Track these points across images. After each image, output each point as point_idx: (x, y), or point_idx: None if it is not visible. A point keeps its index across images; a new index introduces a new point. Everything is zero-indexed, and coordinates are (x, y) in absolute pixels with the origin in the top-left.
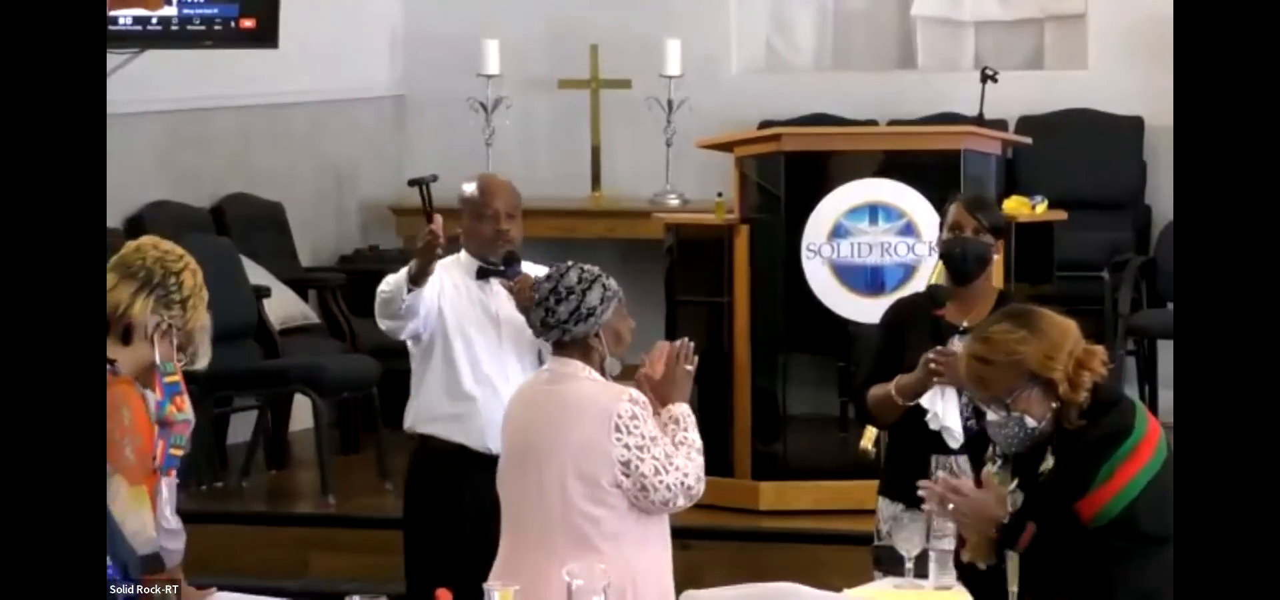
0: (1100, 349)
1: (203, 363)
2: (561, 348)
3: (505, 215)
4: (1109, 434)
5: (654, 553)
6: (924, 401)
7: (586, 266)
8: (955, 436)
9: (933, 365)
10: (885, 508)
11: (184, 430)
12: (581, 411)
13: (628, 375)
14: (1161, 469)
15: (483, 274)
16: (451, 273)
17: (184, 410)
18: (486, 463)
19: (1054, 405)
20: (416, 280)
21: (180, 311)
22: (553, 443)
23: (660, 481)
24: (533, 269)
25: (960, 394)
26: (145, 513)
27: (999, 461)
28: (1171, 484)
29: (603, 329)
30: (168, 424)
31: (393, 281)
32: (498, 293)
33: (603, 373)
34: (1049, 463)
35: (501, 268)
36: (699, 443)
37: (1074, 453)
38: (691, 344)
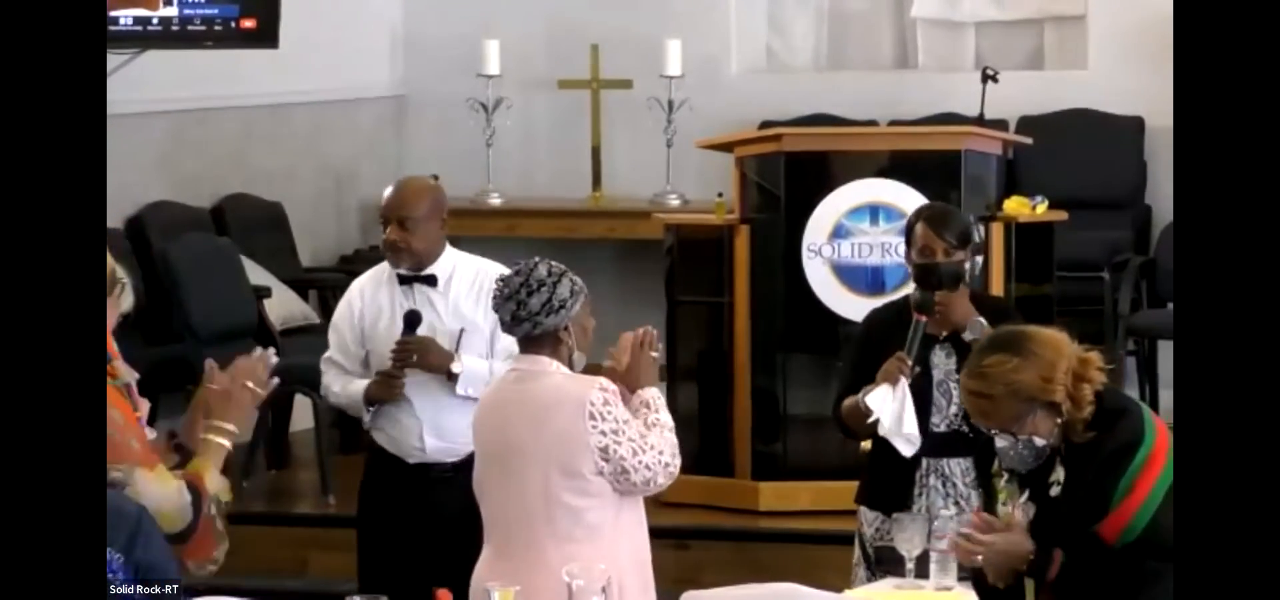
0: (1095, 355)
1: (129, 301)
2: (530, 344)
3: (398, 224)
4: (1121, 447)
5: (634, 539)
6: (871, 402)
7: (552, 262)
8: (912, 441)
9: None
10: (867, 516)
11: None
12: (556, 406)
13: (591, 373)
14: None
15: (404, 281)
16: (371, 284)
17: (119, 375)
18: (413, 471)
19: (1060, 421)
20: (372, 402)
21: None
22: (531, 441)
23: (639, 462)
24: (473, 265)
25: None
26: (170, 484)
27: (1006, 476)
28: None
29: (572, 323)
30: None
31: (345, 396)
32: (420, 303)
33: (571, 367)
34: (1059, 473)
35: (407, 312)
36: (670, 422)
37: (1089, 472)
38: (655, 331)
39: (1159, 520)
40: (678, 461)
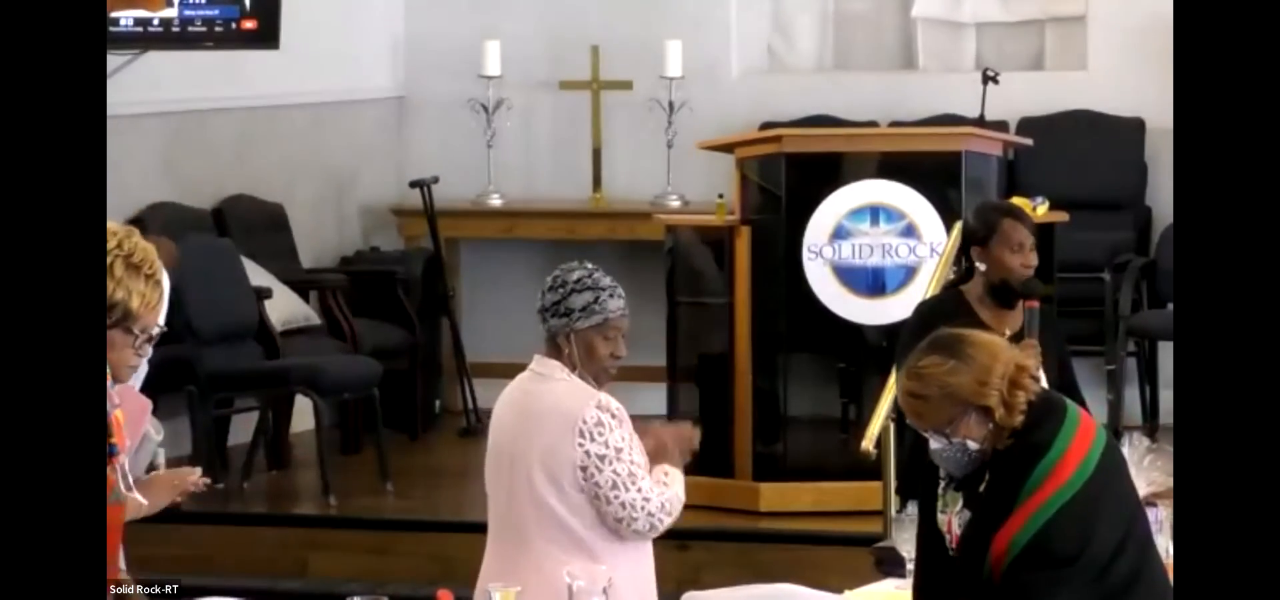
0: (1030, 362)
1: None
2: (547, 345)
3: None
4: (1029, 448)
5: (633, 563)
6: None
7: (604, 277)
8: None
9: None
10: (914, 511)
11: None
12: (549, 413)
13: None
14: (1082, 489)
15: None
16: None
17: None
18: None
19: (992, 426)
20: None
21: None
22: (527, 443)
23: (618, 498)
24: None
25: None
26: None
27: (942, 483)
28: (1102, 498)
29: (574, 334)
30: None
31: None
32: None
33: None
34: (987, 479)
35: None
36: (680, 493)
37: (996, 480)
38: (697, 435)
39: (1048, 534)
40: (668, 520)
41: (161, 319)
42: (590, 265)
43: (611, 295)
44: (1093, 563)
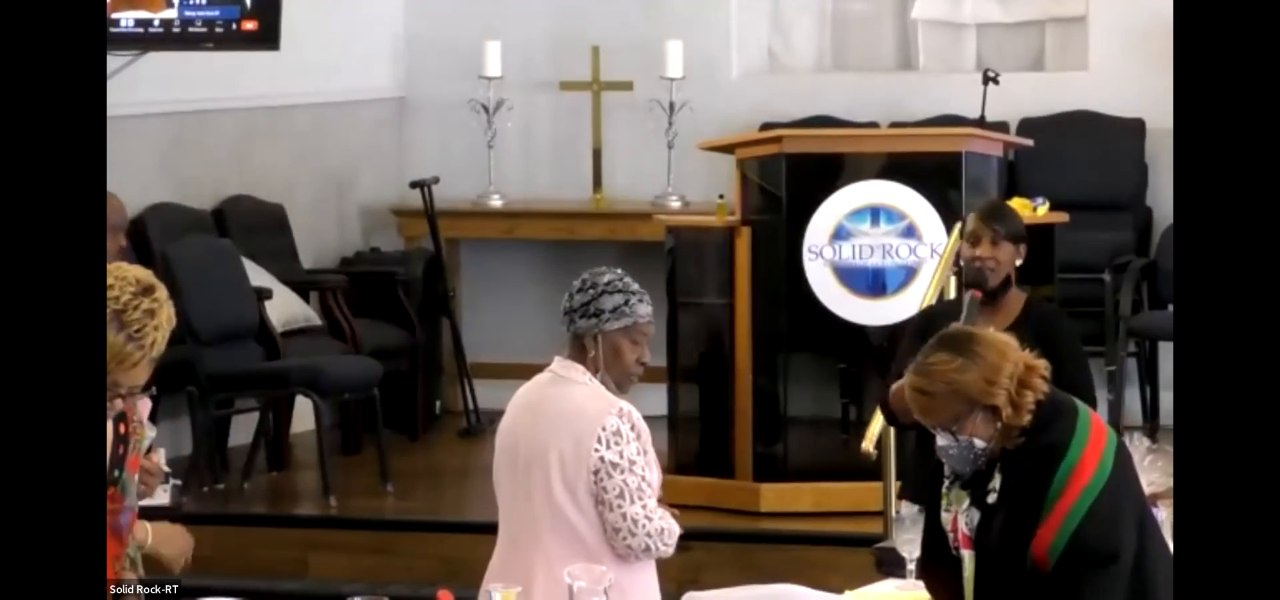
0: (1041, 363)
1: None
2: (570, 347)
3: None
4: (1046, 448)
5: (638, 567)
6: None
7: (632, 283)
8: None
9: None
10: (908, 512)
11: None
12: (572, 417)
13: None
14: (1105, 487)
15: None
16: None
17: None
18: None
19: (1000, 425)
20: None
21: None
22: (544, 446)
23: (620, 506)
24: None
25: None
26: None
27: (947, 481)
28: (1121, 496)
29: (603, 335)
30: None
31: None
32: None
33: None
34: (996, 481)
35: None
36: (676, 535)
37: (1015, 483)
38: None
39: (1082, 534)
40: (663, 547)
41: (140, 380)
42: (619, 270)
43: (640, 300)
44: (1127, 557)
